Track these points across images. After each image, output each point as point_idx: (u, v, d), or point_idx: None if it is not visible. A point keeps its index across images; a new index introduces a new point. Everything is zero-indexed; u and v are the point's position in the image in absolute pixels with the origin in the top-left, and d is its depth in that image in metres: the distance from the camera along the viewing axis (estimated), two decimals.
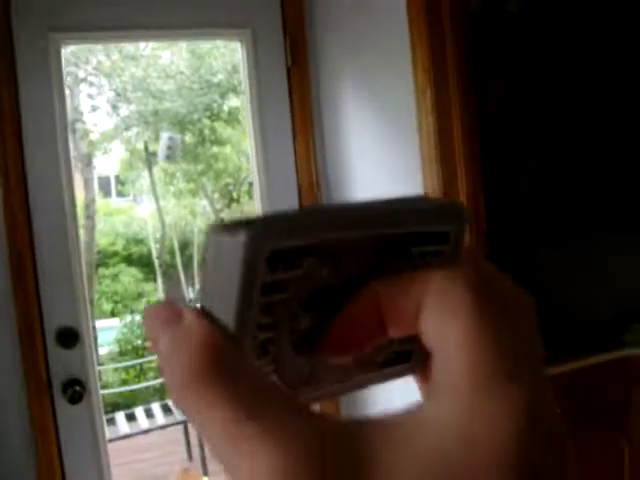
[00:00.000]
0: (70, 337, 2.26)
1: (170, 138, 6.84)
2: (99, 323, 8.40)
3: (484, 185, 1.92)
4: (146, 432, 4.22)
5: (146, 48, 7.48)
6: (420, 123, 1.92)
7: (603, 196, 2.14)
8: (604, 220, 2.14)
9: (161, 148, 6.90)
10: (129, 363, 6.76)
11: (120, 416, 4.43)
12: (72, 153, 7.04)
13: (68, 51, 6.23)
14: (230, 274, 0.25)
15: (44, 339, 2.21)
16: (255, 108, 2.48)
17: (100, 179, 14.68)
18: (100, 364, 7.23)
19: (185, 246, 11.31)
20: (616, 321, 2.22)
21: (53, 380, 2.24)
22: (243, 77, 2.55)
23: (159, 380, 5.37)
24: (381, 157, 2.21)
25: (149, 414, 4.49)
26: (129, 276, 11.02)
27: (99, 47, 6.82)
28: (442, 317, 0.26)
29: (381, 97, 2.18)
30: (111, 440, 4.03)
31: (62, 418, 2.26)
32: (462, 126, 1.88)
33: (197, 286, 8.41)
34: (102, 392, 5.89)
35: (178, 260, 10.70)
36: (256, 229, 0.25)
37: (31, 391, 2.18)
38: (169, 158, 7.02)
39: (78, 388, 2.26)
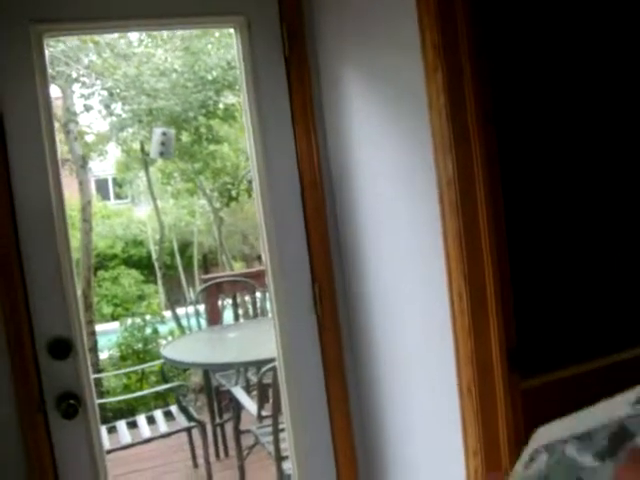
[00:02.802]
0: (63, 347, 2.15)
1: (163, 133, 6.70)
2: (99, 327, 8.31)
3: (501, 174, 1.79)
4: (148, 441, 4.11)
5: (140, 45, 7.37)
6: (431, 105, 1.79)
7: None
8: None
9: (154, 144, 6.76)
10: (130, 369, 6.65)
11: (121, 424, 4.31)
12: (67, 155, 6.95)
13: (58, 50, 6.12)
14: None
15: (35, 351, 2.10)
16: (252, 100, 2.36)
17: (98, 182, 14.67)
18: (101, 370, 7.14)
19: (185, 247, 11.26)
20: None
21: (46, 395, 2.12)
22: (239, 67, 2.43)
23: (161, 386, 5.27)
24: (389, 145, 2.08)
25: (151, 421, 4.37)
26: (129, 278, 10.98)
27: (90, 45, 6.69)
28: None
29: (387, 80, 2.05)
30: (112, 450, 3.91)
31: (57, 435, 2.15)
32: (477, 107, 1.74)
33: (197, 287, 8.32)
34: (102, 401, 5.84)
35: (178, 261, 10.65)
36: None
37: (22, 408, 2.07)
38: (164, 154, 6.88)
39: (73, 402, 2.15)
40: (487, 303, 1.82)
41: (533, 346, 1.87)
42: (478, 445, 1.83)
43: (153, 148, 6.82)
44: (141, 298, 10.68)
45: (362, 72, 2.20)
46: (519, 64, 1.87)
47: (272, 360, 3.18)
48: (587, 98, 1.92)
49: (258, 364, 3.73)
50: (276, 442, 3.37)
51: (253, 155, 2.41)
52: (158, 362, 6.04)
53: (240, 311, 6.07)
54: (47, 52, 2.22)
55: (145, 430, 4.23)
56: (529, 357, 1.85)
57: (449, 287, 1.84)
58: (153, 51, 7.40)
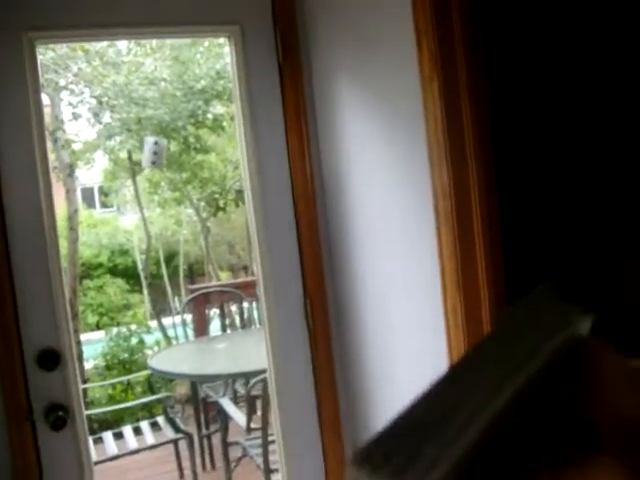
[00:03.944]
0: (52, 358, 2.12)
1: (155, 143, 6.68)
2: (84, 336, 8.24)
3: (497, 182, 1.79)
4: (135, 453, 4.07)
5: (129, 54, 7.35)
6: (427, 115, 1.78)
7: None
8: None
9: (146, 154, 6.73)
10: (115, 380, 6.59)
11: (108, 436, 4.26)
12: (54, 163, 6.90)
13: (48, 58, 6.08)
14: None
15: (23, 362, 2.06)
16: (246, 109, 2.35)
17: (84, 190, 14.60)
18: (86, 380, 7.07)
19: (171, 256, 11.21)
20: None
21: (34, 405, 2.09)
22: (232, 77, 2.41)
23: (148, 397, 5.22)
24: (383, 155, 2.07)
25: (137, 432, 4.33)
26: (114, 288, 10.91)
27: (79, 54, 6.66)
28: None
29: (382, 89, 2.04)
30: (99, 462, 3.87)
31: (45, 447, 2.12)
32: (472, 115, 1.74)
33: (183, 297, 8.27)
34: (89, 412, 5.79)
35: (164, 270, 10.59)
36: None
37: (11, 420, 2.04)
38: (155, 164, 6.85)
39: (61, 413, 2.12)
40: (482, 318, 1.81)
41: None
42: None
43: (145, 158, 6.80)
44: (127, 307, 10.62)
45: (357, 81, 2.19)
46: (516, 74, 1.87)
47: (261, 372, 3.16)
48: (586, 106, 1.93)
49: (246, 375, 3.70)
50: (265, 454, 3.34)
51: (245, 165, 2.40)
52: (144, 372, 5.99)
53: (227, 321, 6.04)
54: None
55: (132, 441, 4.19)
56: None
57: (444, 301, 1.83)
58: (142, 60, 7.38)
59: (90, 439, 4.20)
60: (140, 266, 10.14)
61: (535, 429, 0.27)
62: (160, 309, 9.35)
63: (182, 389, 6.49)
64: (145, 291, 10.10)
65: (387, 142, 2.06)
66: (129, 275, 11.41)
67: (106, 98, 7.18)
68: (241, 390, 4.62)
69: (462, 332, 1.79)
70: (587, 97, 1.93)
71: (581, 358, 0.29)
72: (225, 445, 3.93)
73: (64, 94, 7.12)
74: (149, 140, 6.76)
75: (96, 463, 3.82)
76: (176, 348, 5.66)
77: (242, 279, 8.77)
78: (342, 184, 2.32)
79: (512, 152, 1.86)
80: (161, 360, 4.71)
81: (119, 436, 4.32)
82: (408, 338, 2.08)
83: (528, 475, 0.26)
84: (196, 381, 4.71)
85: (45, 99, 6.91)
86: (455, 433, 0.23)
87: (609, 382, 0.29)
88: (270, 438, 3.21)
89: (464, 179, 1.77)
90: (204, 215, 9.48)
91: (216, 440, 4.59)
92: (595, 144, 1.97)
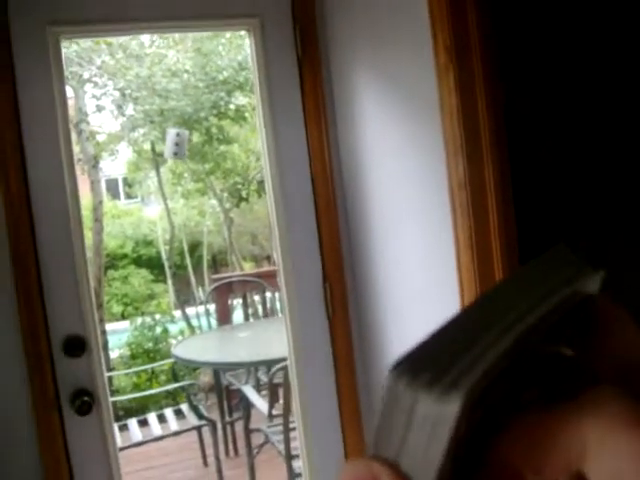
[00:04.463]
0: (77, 346, 2.18)
1: (177, 134, 6.72)
2: (109, 326, 8.34)
3: (512, 172, 1.81)
4: (159, 439, 4.13)
5: (151, 46, 7.40)
6: (442, 106, 1.80)
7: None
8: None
9: (168, 145, 6.79)
10: (140, 368, 6.68)
11: (132, 422, 4.34)
12: (78, 155, 6.99)
13: (71, 51, 6.16)
14: (429, 438, 0.25)
15: (50, 349, 2.12)
16: (265, 100, 2.39)
17: (108, 181, 14.73)
18: (111, 369, 7.17)
19: (194, 247, 11.29)
20: None
21: (61, 392, 2.15)
22: (252, 69, 2.45)
23: (172, 385, 5.30)
24: (400, 147, 2.10)
25: (162, 419, 4.40)
26: (139, 278, 11.01)
27: (103, 47, 6.74)
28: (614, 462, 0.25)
29: (399, 81, 2.07)
30: (124, 448, 3.94)
31: (71, 431, 2.17)
32: (487, 106, 1.76)
33: (207, 287, 8.32)
34: (114, 399, 5.88)
35: (188, 261, 10.67)
36: (464, 393, 0.24)
37: (38, 405, 2.10)
38: (177, 155, 6.90)
39: (87, 398, 2.18)
40: None
41: None
42: None
43: (167, 148, 6.86)
44: (151, 297, 10.71)
45: (374, 72, 2.22)
46: (531, 65, 1.89)
47: (283, 359, 3.21)
48: (600, 97, 1.93)
49: (268, 363, 3.75)
50: (286, 441, 3.39)
51: (265, 155, 2.44)
52: (168, 361, 6.07)
53: (250, 311, 6.10)
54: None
55: (156, 428, 4.25)
56: None
57: (460, 289, 1.86)
58: (165, 52, 7.44)
59: (115, 426, 4.31)
60: (164, 256, 10.22)
61: (533, 369, 0.28)
62: (184, 299, 9.44)
63: (206, 377, 6.56)
64: (169, 281, 10.19)
65: (404, 132, 2.09)
66: (153, 265, 11.51)
67: (129, 90, 7.25)
68: (263, 378, 4.67)
69: None
70: (601, 87, 1.94)
71: (589, 310, 0.30)
72: (247, 432, 3.99)
73: (88, 87, 7.20)
74: (171, 131, 6.82)
75: (121, 449, 3.89)
76: (199, 337, 5.73)
77: (265, 269, 8.82)
78: (360, 173, 2.35)
79: (527, 143, 1.88)
80: (184, 348, 4.77)
81: (144, 423, 4.38)
82: (425, 323, 2.10)
83: (520, 409, 0.27)
84: (219, 369, 4.77)
85: (69, 92, 7.00)
86: (473, 359, 0.26)
87: (616, 334, 0.30)
88: (292, 425, 3.26)
89: (479, 170, 1.79)
90: (227, 206, 9.55)
91: (239, 427, 4.65)
92: (613, 133, 1.98)
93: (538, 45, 1.88)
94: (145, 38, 7.37)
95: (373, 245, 2.34)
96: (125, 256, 11.76)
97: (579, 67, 1.92)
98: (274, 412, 3.65)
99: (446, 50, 1.78)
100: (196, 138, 8.29)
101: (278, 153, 2.40)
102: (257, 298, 6.02)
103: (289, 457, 3.40)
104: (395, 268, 2.24)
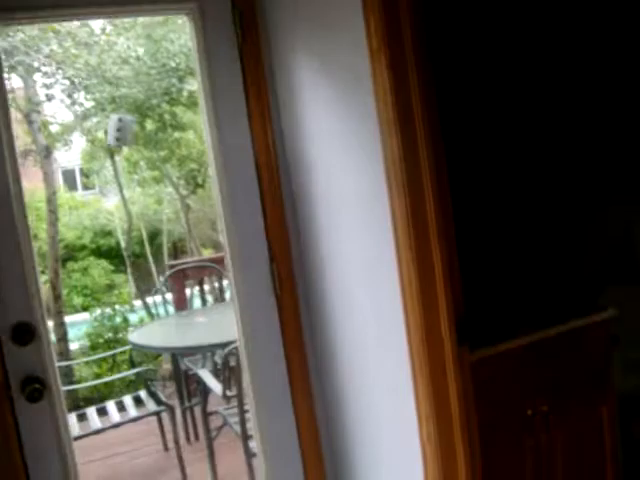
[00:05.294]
0: (26, 333, 2.17)
1: (120, 119, 6.66)
2: (70, 318, 8.28)
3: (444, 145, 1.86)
4: (118, 426, 4.14)
5: (101, 34, 7.32)
6: (375, 85, 1.85)
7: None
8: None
9: (110, 131, 6.73)
10: (98, 356, 6.66)
11: (91, 411, 4.33)
12: (30, 146, 6.86)
13: (17, 39, 6.05)
14: None
15: None
16: (207, 86, 2.40)
17: (65, 172, 14.55)
18: (72, 359, 7.13)
19: (154, 235, 11.24)
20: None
21: (11, 379, 2.15)
22: (193, 54, 2.46)
23: (131, 371, 5.28)
24: (338, 127, 2.14)
25: (121, 407, 4.40)
26: (99, 269, 10.93)
27: (50, 34, 6.64)
28: None
29: (336, 63, 2.11)
30: (83, 436, 3.94)
31: (23, 418, 2.18)
32: (419, 85, 1.81)
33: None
34: (71, 387, 5.86)
35: (147, 250, 10.62)
36: None
37: None
38: (120, 141, 6.84)
39: (38, 386, 2.18)
40: (435, 280, 1.89)
41: (480, 321, 1.95)
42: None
43: (109, 135, 6.79)
44: (111, 288, 10.64)
45: (313, 56, 2.25)
46: (461, 43, 1.94)
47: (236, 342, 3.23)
48: (527, 75, 1.99)
49: (224, 346, 3.77)
50: (242, 422, 3.43)
51: (209, 141, 2.45)
52: (125, 348, 6.04)
53: (209, 297, 6.10)
54: (5, 42, 2.23)
55: (115, 416, 4.25)
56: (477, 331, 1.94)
57: (399, 265, 1.91)
58: (115, 39, 7.36)
59: (74, 415, 4.30)
60: (123, 246, 10.17)
61: None
62: (145, 288, 9.40)
63: (167, 365, 6.56)
64: (129, 271, 10.14)
65: (341, 113, 2.13)
66: (113, 256, 11.44)
67: (79, 79, 7.17)
68: (220, 362, 4.69)
69: (416, 293, 1.87)
70: (528, 63, 2.00)
71: None
72: (205, 415, 4.01)
73: (37, 76, 7.10)
74: (113, 117, 6.74)
75: (81, 437, 3.91)
76: (156, 323, 5.71)
77: (220, 254, 8.82)
78: (302, 155, 2.39)
79: (460, 121, 1.93)
80: (141, 335, 4.77)
81: (103, 412, 4.38)
82: (368, 298, 2.16)
83: None
84: (176, 354, 4.79)
85: (17, 81, 6.90)
86: None
87: None
88: (247, 407, 3.29)
89: (414, 146, 1.84)
90: (184, 193, 9.52)
91: (198, 412, 4.67)
92: (542, 111, 2.04)
93: (467, 26, 1.93)
94: (96, 25, 7.29)
95: (317, 224, 2.38)
96: (84, 247, 11.67)
97: (506, 43, 1.97)
98: (228, 394, 3.68)
99: (378, 33, 1.82)
100: (149, 125, 8.23)
101: (222, 139, 2.42)
102: (216, 284, 6.03)
103: (245, 438, 3.44)
104: (338, 245, 2.28)
